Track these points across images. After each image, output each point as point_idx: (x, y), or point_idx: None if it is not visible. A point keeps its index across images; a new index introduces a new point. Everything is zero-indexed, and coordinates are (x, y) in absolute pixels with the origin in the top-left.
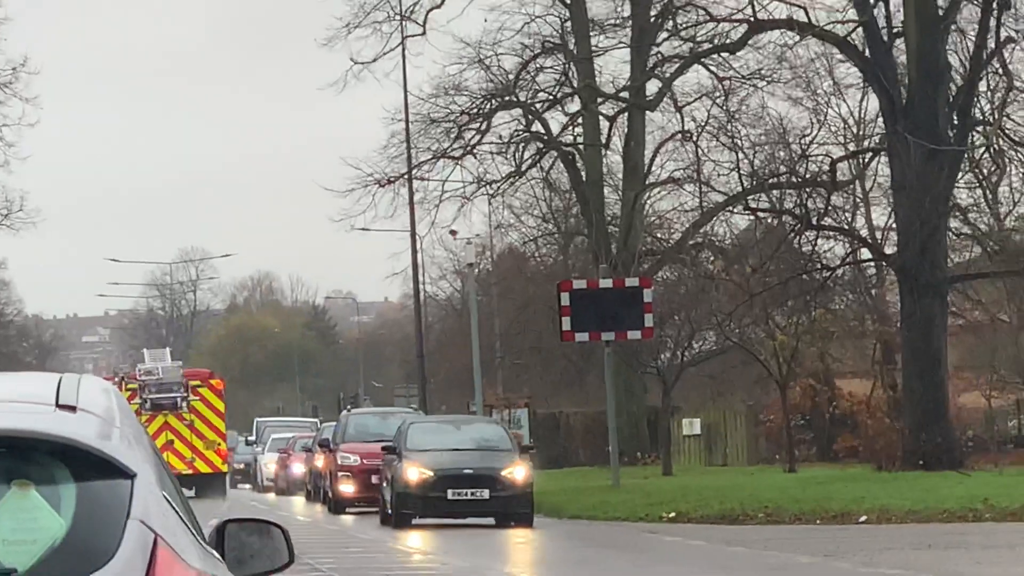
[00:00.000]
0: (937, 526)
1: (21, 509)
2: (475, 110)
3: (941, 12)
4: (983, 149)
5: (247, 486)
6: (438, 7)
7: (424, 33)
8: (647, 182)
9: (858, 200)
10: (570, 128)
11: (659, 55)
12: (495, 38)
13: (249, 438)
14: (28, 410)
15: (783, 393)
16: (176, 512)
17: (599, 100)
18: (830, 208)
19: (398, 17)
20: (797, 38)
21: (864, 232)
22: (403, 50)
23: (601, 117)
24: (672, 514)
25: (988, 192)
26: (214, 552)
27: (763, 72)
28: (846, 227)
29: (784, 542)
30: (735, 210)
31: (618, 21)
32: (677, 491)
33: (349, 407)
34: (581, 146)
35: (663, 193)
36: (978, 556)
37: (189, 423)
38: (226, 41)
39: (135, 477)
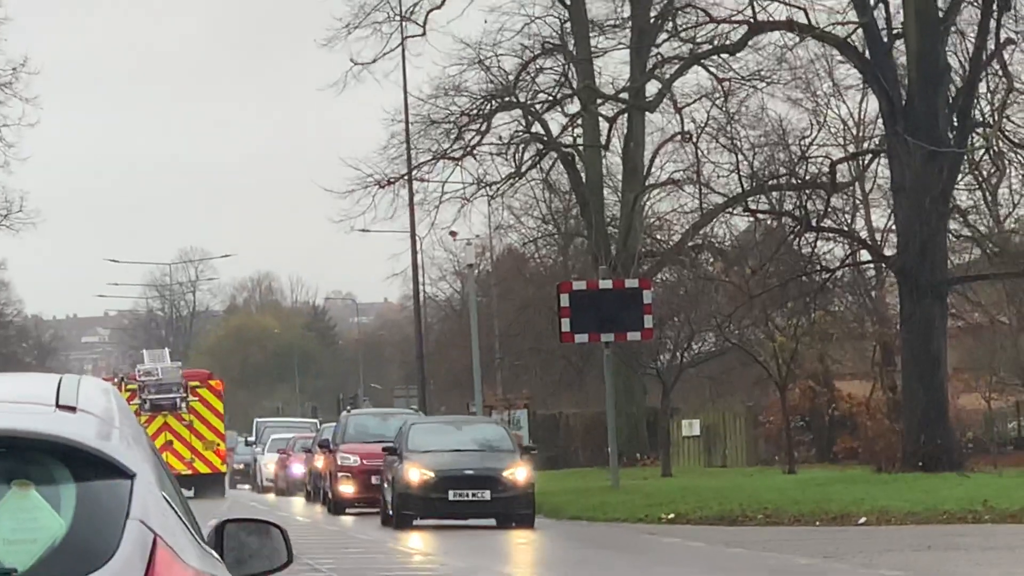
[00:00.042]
0: (936, 528)
1: (21, 509)
2: (475, 111)
3: (941, 14)
4: (983, 151)
5: (247, 486)
6: (438, 8)
7: (424, 34)
8: (647, 183)
9: (858, 202)
10: (570, 129)
11: (659, 56)
12: (495, 39)
13: (248, 438)
14: (28, 410)
15: (782, 394)
16: (175, 512)
17: (599, 101)
18: (830, 210)
19: (398, 18)
20: (797, 39)
21: (864, 234)
22: (403, 51)
23: (601, 118)
24: (671, 515)
25: (988, 194)
26: (213, 552)
27: (763, 73)
28: (846, 229)
29: (783, 543)
30: (735, 211)
31: (618, 22)
32: (676, 492)
33: (349, 408)
34: (581, 147)
35: (663, 194)
36: (977, 558)
37: (188, 424)
38: (226, 41)
39: (135, 477)
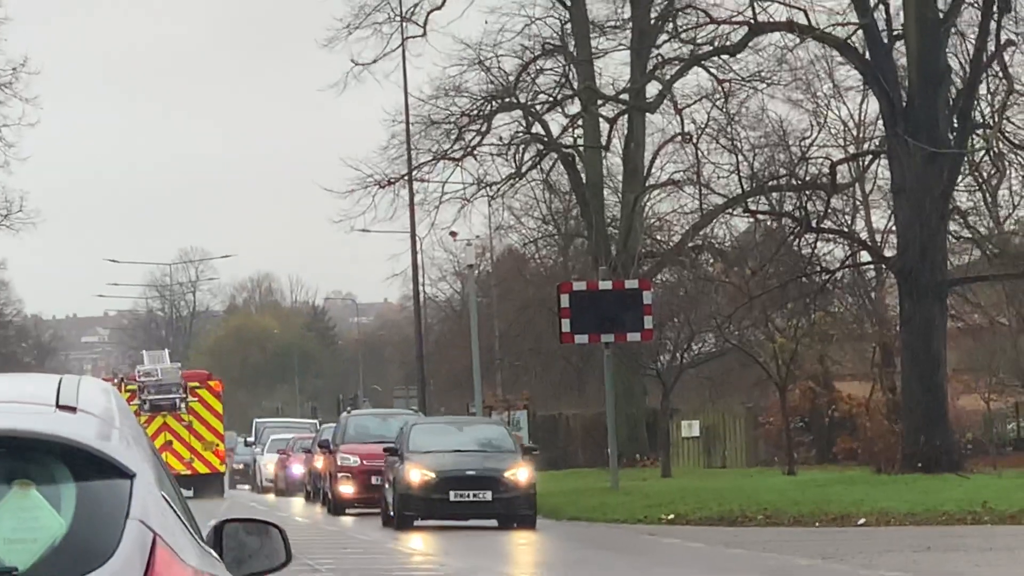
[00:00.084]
0: (936, 529)
1: (22, 508)
2: (475, 112)
3: (941, 15)
4: (983, 152)
5: (246, 487)
6: (438, 8)
7: (424, 34)
8: (647, 184)
9: (858, 203)
10: (570, 130)
11: (659, 57)
12: (495, 40)
13: (248, 439)
14: (29, 411)
15: (782, 395)
16: (175, 512)
17: (599, 102)
18: (830, 211)
19: (398, 18)
20: (797, 40)
21: (864, 235)
22: (403, 51)
23: (601, 119)
24: (671, 516)
25: (988, 195)
26: (212, 551)
27: (763, 74)
28: (846, 230)
29: (783, 544)
30: (735, 212)
31: (618, 23)
32: (676, 493)
33: (349, 408)
34: (581, 148)
35: (663, 195)
36: (977, 559)
37: (188, 424)
38: (226, 41)
39: (134, 477)
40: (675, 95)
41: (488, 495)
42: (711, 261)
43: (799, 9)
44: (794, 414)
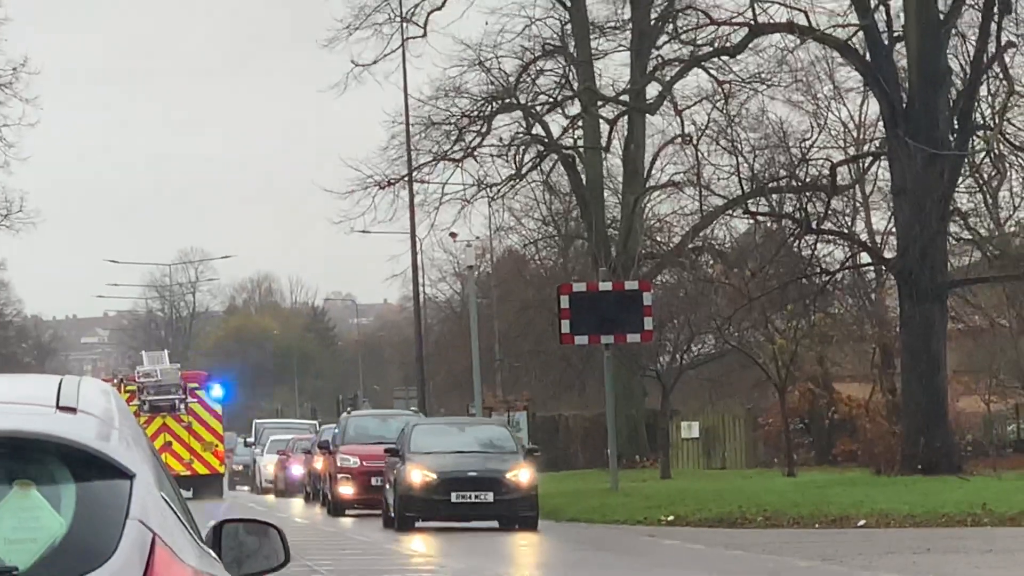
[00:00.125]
0: (936, 530)
1: (22, 508)
2: (475, 112)
3: (942, 16)
4: (983, 154)
5: (246, 488)
6: (439, 9)
7: (425, 35)
8: (647, 185)
9: (858, 204)
10: (570, 131)
11: (659, 58)
12: (495, 40)
13: (248, 440)
14: (30, 411)
15: (782, 397)
16: (174, 512)
17: (599, 103)
18: (830, 212)
19: (399, 19)
20: (798, 42)
21: (864, 236)
22: (403, 52)
23: (601, 120)
24: (671, 517)
25: (988, 197)
26: (211, 552)
27: (763, 76)
28: (846, 231)
29: (782, 546)
30: (735, 214)
31: (618, 24)
32: (676, 494)
33: (349, 409)
34: (581, 149)
35: (663, 196)
36: (977, 561)
37: (187, 425)
38: (226, 41)
39: (134, 477)
40: (675, 96)
41: (490, 496)
42: (711, 262)
43: (799, 10)
44: (794, 415)
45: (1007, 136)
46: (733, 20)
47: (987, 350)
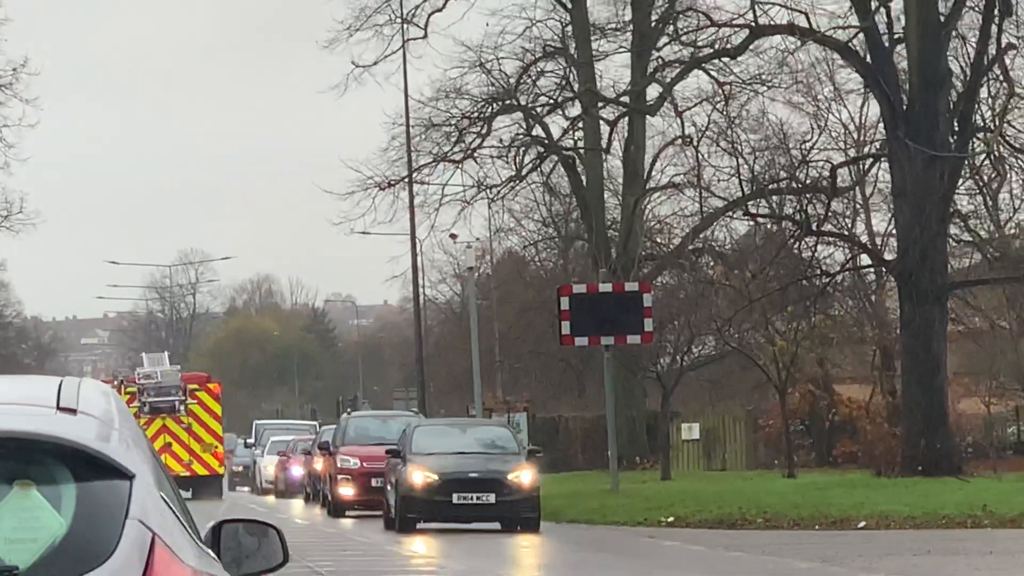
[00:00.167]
0: (936, 532)
1: (23, 508)
2: (476, 114)
3: (942, 18)
4: (984, 156)
5: (246, 489)
6: (439, 11)
7: (425, 36)
8: (647, 187)
9: (858, 206)
10: (570, 132)
11: (660, 60)
12: (496, 42)
13: (248, 440)
14: (30, 412)
15: (782, 398)
16: (173, 512)
17: (600, 104)
18: (830, 214)
19: (399, 20)
20: (798, 43)
21: (864, 238)
22: (404, 53)
23: (601, 121)
24: (671, 519)
25: (988, 199)
26: (210, 551)
27: (764, 77)
28: (846, 233)
29: (783, 547)
30: (735, 215)
31: (619, 25)
32: (676, 495)
33: (349, 410)
34: (581, 150)
35: (663, 198)
36: (977, 562)
37: (187, 426)
38: (226, 42)
39: (133, 478)
40: (675, 98)
41: (491, 497)
42: (711, 264)
43: (800, 12)
44: (794, 417)
45: (1007, 138)
46: (734, 22)
47: (987, 352)
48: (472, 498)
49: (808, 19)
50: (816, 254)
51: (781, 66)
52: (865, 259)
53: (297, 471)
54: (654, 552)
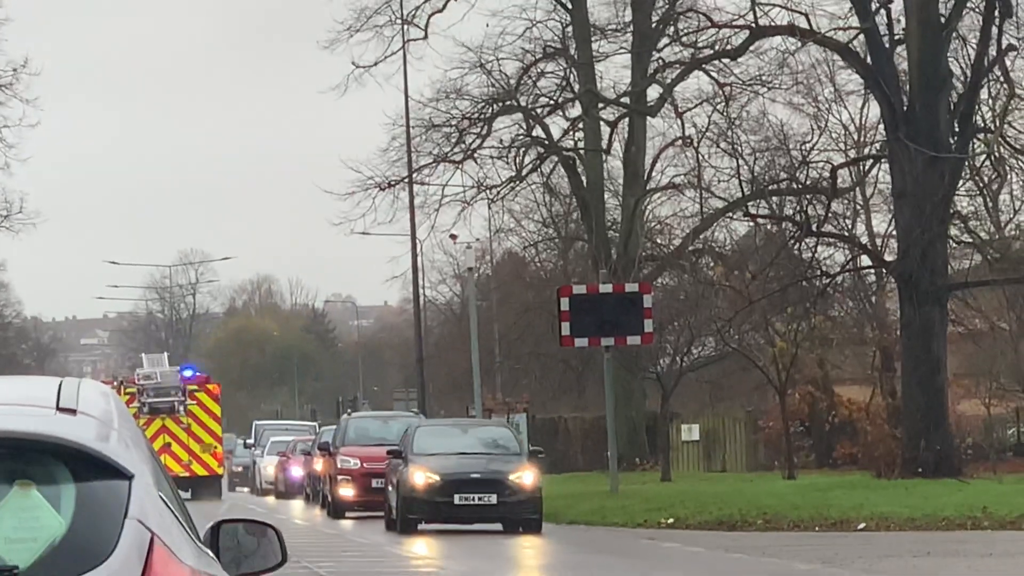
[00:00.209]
0: (936, 534)
1: (22, 508)
2: (476, 114)
3: (943, 19)
4: (984, 157)
5: (245, 489)
6: (440, 11)
7: (426, 37)
8: (647, 188)
9: (858, 207)
10: (571, 133)
11: (660, 61)
12: (496, 43)
13: (248, 441)
14: (30, 413)
15: (782, 400)
16: (172, 512)
17: (600, 105)
18: (830, 215)
19: (399, 21)
20: (798, 44)
21: (864, 239)
22: (404, 54)
23: (602, 122)
24: (671, 520)
25: (989, 200)
26: (209, 551)
27: (764, 78)
28: (846, 234)
29: (782, 549)
30: (735, 216)
31: (619, 26)
32: (676, 497)
33: (348, 410)
34: (582, 151)
35: (663, 199)
36: (976, 564)
37: (186, 427)
38: (226, 42)
39: (133, 478)
40: (676, 99)
41: (493, 498)
42: (711, 265)
43: (800, 13)
44: (794, 418)
45: (1007, 139)
46: (734, 23)
47: (987, 353)
48: (474, 499)
49: (808, 20)
50: (816, 255)
51: (781, 67)
52: (865, 260)
53: (297, 472)
54: (654, 553)
